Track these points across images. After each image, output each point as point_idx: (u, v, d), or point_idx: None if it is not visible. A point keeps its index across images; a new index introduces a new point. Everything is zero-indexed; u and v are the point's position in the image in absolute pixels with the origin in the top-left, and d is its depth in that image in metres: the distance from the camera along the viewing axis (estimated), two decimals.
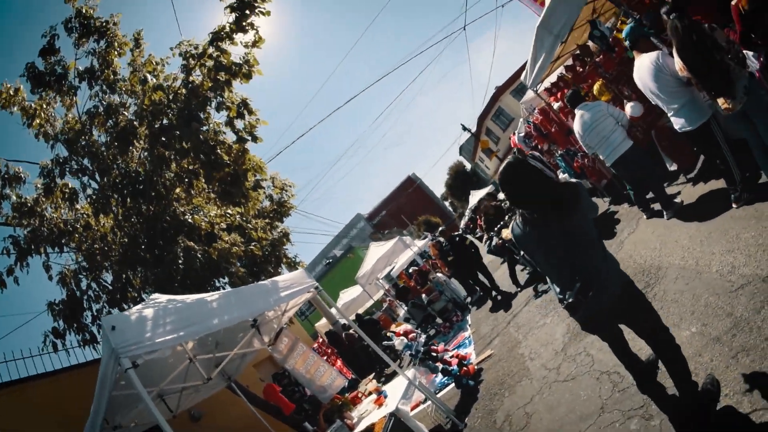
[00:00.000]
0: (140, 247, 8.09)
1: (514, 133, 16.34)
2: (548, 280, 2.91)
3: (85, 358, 8.21)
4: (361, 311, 16.63)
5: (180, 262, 7.49)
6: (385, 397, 5.44)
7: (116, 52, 8.49)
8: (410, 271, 16.09)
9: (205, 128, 8.04)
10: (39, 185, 8.52)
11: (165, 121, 8.04)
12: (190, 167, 8.41)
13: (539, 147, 10.24)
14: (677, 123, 4.67)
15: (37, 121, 8.49)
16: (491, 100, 38.21)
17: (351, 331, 14.01)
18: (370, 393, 6.13)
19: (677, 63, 4.17)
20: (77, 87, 8.61)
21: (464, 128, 39.49)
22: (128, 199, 7.97)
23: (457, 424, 5.42)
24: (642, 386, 2.98)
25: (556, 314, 6.19)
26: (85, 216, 8.78)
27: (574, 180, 2.92)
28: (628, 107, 5.77)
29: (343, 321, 16.49)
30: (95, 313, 8.31)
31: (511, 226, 2.77)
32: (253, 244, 8.76)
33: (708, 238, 4.43)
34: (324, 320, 16.71)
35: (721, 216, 4.61)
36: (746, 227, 4.09)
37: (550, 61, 7.03)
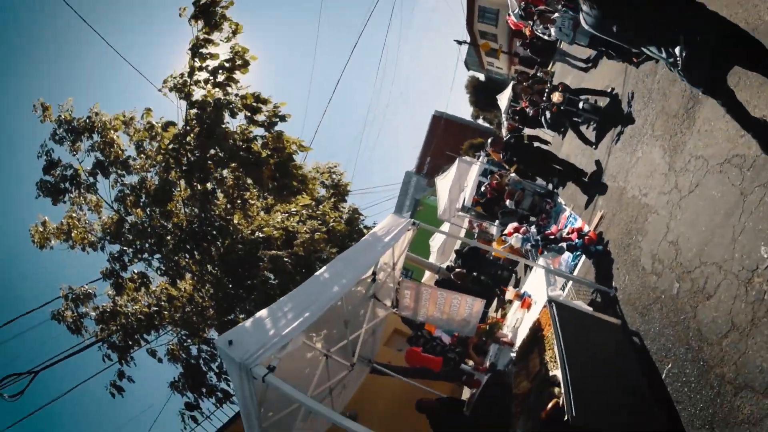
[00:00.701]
0: (228, 287, 8.28)
1: (509, 15, 15.50)
2: (650, 52, 2.73)
3: (227, 416, 8.47)
4: (457, 247, 16.46)
5: (271, 277, 7.62)
6: (530, 296, 5.40)
7: (112, 131, 8.68)
8: (482, 189, 15.79)
9: (228, 125, 8.05)
10: (110, 290, 8.86)
11: (192, 155, 8.13)
12: (236, 181, 8.52)
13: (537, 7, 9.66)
14: None
15: (75, 233, 8.85)
16: (469, 3, 36.74)
17: (457, 270, 14.11)
18: (510, 302, 6.09)
19: None
20: (95, 182, 8.91)
21: (458, 42, 38.01)
22: (195, 252, 8.16)
23: (607, 292, 5.30)
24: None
25: (644, 144, 6.00)
26: (164, 291, 9.05)
27: None
28: None
29: (445, 264, 16.59)
30: (217, 371, 8.64)
31: (583, 19, 2.70)
32: (332, 222, 8.84)
33: None
34: (428, 274, 16.75)
35: None
36: None
37: None
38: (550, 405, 3.16)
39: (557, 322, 3.90)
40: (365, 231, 9.51)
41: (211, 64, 7.87)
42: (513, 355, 5.07)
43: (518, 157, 10.68)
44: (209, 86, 7.98)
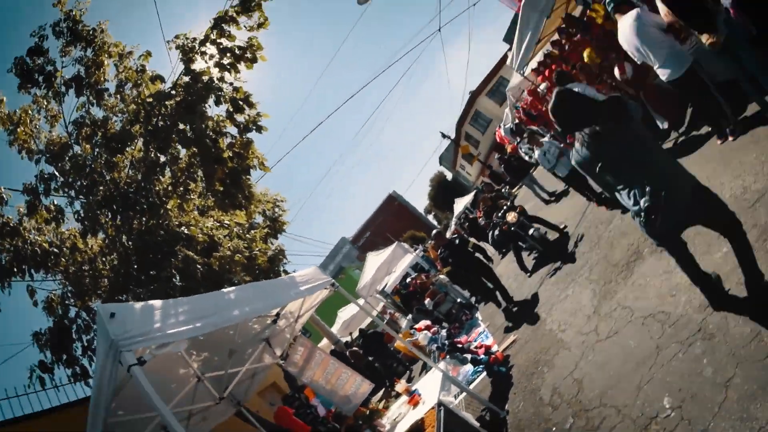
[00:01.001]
0: (132, 266, 7.67)
1: (499, 127, 16.41)
2: (620, 197, 2.89)
3: (77, 396, 7.54)
4: (362, 326, 16.23)
5: (177, 278, 7.14)
6: (419, 395, 5.25)
7: (106, 55, 8.16)
8: (408, 281, 15.90)
9: (209, 109, 7.72)
10: (22, 207, 8.04)
11: (163, 121, 7.69)
12: (188, 168, 8.08)
13: (528, 128, 10.31)
14: (664, 74, 4.87)
15: (21, 130, 8.12)
16: (467, 104, 38.86)
17: (354, 348, 13.83)
18: (398, 395, 5.90)
19: (662, 9, 4.40)
20: (64, 94, 8.28)
21: (443, 135, 39.78)
22: (118, 216, 7.61)
23: (497, 413, 5.17)
24: (716, 302, 3.02)
25: (577, 284, 6.16)
26: (72, 238, 8.35)
27: (614, 94, 2.97)
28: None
29: (345, 339, 16.27)
30: (86, 344, 7.81)
31: (572, 154, 2.89)
32: (256, 250, 8.48)
33: (713, 173, 4.61)
34: (325, 341, 16.35)
35: (720, 151, 4.89)
36: (746, 152, 4.41)
37: (536, 39, 7.23)
38: None
39: (441, 426, 3.78)
40: (283, 274, 9.17)
41: (225, 43, 7.66)
42: None
43: (455, 259, 10.82)
44: (212, 62, 7.73)
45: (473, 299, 12.42)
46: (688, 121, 6.22)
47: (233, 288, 4.03)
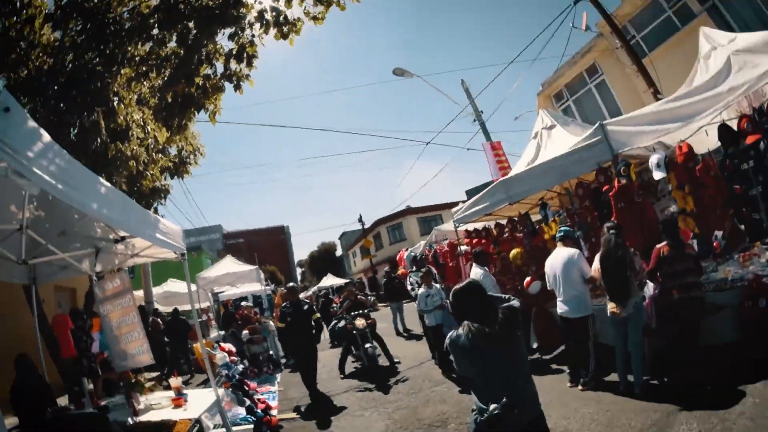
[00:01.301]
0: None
1: (406, 249, 17.06)
2: (473, 388, 2.95)
3: None
4: (180, 309, 15.19)
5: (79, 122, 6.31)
6: (186, 401, 4.97)
7: None
8: (241, 303, 15.38)
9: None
10: None
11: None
12: (148, 61, 7.11)
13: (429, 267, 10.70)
14: (562, 308, 5.42)
15: None
16: (399, 213, 40.00)
17: (158, 320, 12.92)
18: (168, 387, 5.56)
19: (594, 265, 5.05)
20: None
21: (360, 220, 40.55)
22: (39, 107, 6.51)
23: None
24: None
25: (377, 412, 6.34)
26: None
27: (515, 303, 3.05)
28: (534, 285, 6.50)
29: (156, 306, 15.19)
30: None
31: (451, 335, 2.87)
32: (149, 172, 7.90)
33: (548, 404, 4.87)
34: (140, 292, 15.07)
35: (565, 391, 5.40)
36: (586, 403, 4.91)
37: (486, 213, 7.85)
38: None
39: None
40: (153, 212, 8.58)
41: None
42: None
43: (293, 320, 10.74)
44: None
45: (284, 361, 12.20)
46: (555, 354, 6.76)
47: (110, 186, 3.70)
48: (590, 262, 5.34)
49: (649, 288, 4.97)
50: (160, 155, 8.78)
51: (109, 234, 5.17)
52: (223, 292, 17.83)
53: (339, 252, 66.50)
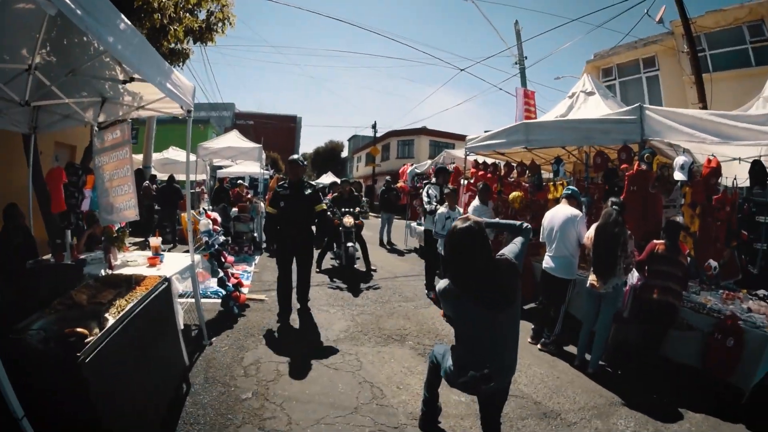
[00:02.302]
0: None
1: (410, 164, 16.86)
2: (456, 337, 2.89)
3: None
4: (176, 176, 15.24)
5: None
6: (161, 261, 5.06)
7: None
8: (237, 182, 15.43)
9: None
10: None
11: None
12: None
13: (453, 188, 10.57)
14: (549, 264, 5.44)
15: None
16: (414, 130, 39.44)
17: (152, 186, 13.03)
18: (147, 246, 5.64)
19: (589, 233, 5.01)
20: None
21: (374, 127, 39.84)
22: None
23: (203, 336, 5.16)
24: (425, 422, 3.47)
25: (342, 311, 6.61)
26: None
27: (527, 228, 3.01)
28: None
29: (155, 173, 15.21)
30: None
31: (446, 286, 2.70)
32: (172, 28, 7.57)
33: None
34: (140, 156, 15.03)
35: (524, 347, 5.40)
36: (540, 364, 5.12)
37: (501, 149, 7.66)
38: None
39: (155, 293, 3.57)
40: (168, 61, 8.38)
41: None
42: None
43: (286, 205, 10.86)
44: None
45: (265, 245, 12.46)
46: (526, 309, 6.86)
47: (131, 25, 3.40)
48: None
49: (633, 277, 4.99)
50: (187, 14, 8.38)
51: (119, 76, 4.88)
52: (222, 168, 17.77)
53: (345, 154, 66.15)
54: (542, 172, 8.51)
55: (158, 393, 3.35)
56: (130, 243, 9.79)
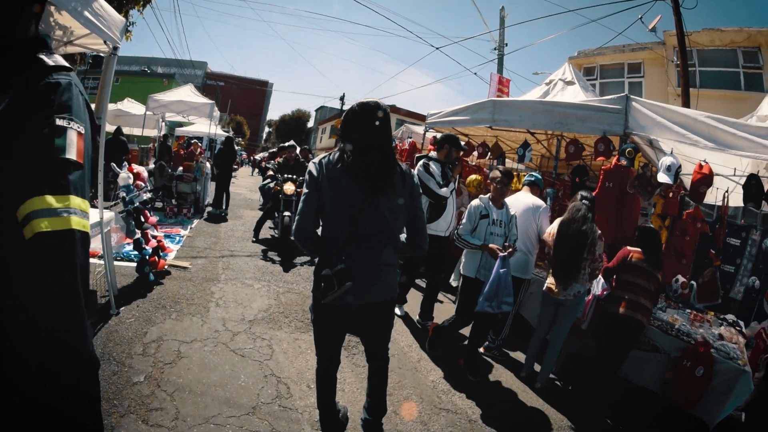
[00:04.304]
0: None
1: (407, 138, 16.36)
2: (322, 235, 2.39)
3: None
4: (125, 130, 14.03)
5: None
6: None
7: None
8: (192, 141, 14.38)
9: None
10: None
11: None
12: None
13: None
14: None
15: None
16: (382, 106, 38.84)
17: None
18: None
19: (551, 227, 4.37)
20: None
21: (341, 98, 38.81)
22: None
23: (111, 306, 4.44)
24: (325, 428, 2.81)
25: (267, 287, 5.97)
26: None
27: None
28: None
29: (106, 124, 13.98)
30: None
31: (319, 156, 2.37)
32: None
33: (442, 357, 4.64)
34: (93, 106, 13.75)
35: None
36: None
37: (460, 126, 7.07)
38: None
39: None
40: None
41: None
42: None
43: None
44: None
45: (208, 208, 11.63)
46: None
47: None
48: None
49: (598, 286, 4.41)
50: None
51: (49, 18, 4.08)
52: (181, 126, 16.66)
53: (311, 124, 65.01)
54: (506, 159, 7.97)
55: None
56: None
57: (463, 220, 4.26)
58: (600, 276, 4.30)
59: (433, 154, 5.23)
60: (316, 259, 2.41)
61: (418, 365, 4.37)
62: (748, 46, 13.52)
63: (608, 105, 5.03)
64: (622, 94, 4.98)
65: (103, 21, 3.77)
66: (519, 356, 4.91)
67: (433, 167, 4.97)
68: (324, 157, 2.33)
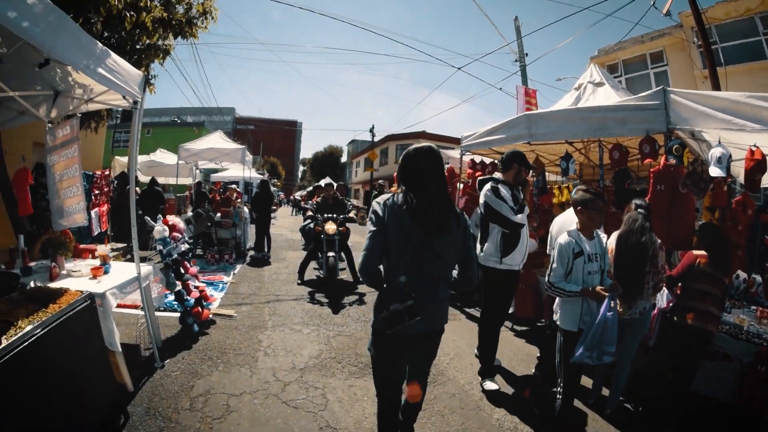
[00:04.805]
0: None
1: None
2: (384, 271, 2.53)
3: None
4: (160, 180, 14.44)
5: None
6: (106, 273, 4.34)
7: None
8: (229, 186, 14.64)
9: None
10: None
11: None
12: None
13: None
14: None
15: None
16: (413, 134, 38.84)
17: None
18: (99, 255, 4.91)
19: (609, 243, 3.97)
20: None
21: (371, 131, 39.07)
22: None
23: (155, 359, 4.44)
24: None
25: (317, 332, 5.80)
26: None
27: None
28: (531, 241, 5.61)
29: (140, 176, 14.55)
30: None
31: (384, 197, 2.52)
32: (127, 13, 6.92)
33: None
34: (124, 159, 14.33)
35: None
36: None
37: (497, 145, 6.83)
38: None
39: (69, 312, 2.90)
40: (143, 69, 7.75)
41: None
42: None
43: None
44: None
45: (251, 252, 11.71)
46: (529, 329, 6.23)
47: (47, 1, 2.92)
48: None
49: (663, 298, 4.05)
50: (155, 2, 7.73)
51: (68, 77, 4.56)
52: (217, 172, 17.02)
53: (345, 158, 65.78)
54: (546, 173, 7.66)
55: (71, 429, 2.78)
56: (112, 249, 9.09)
57: (553, 264, 3.53)
58: (664, 288, 3.97)
59: (498, 175, 4.63)
60: (367, 298, 2.60)
61: (481, 403, 4.10)
62: (764, 11, 12.98)
63: (646, 102, 4.71)
64: (659, 88, 4.64)
65: (118, 76, 3.83)
66: (584, 381, 4.55)
67: (504, 191, 4.36)
68: (388, 198, 2.49)
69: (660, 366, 4.09)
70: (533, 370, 4.79)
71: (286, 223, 22.92)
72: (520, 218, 4.29)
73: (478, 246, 4.55)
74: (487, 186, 4.48)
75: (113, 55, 3.82)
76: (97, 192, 8.84)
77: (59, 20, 3.02)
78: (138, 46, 8.17)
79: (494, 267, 4.43)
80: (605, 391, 4.17)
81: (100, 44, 3.64)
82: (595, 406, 4.09)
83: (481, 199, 4.45)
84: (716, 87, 9.37)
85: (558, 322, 3.60)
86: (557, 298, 3.62)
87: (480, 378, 4.50)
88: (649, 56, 16.10)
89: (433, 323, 2.54)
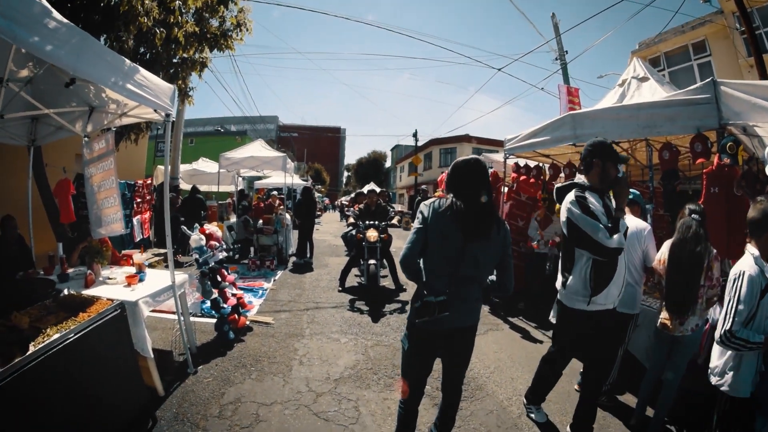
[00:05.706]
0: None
1: (446, 172, 16.02)
2: (423, 267, 2.71)
3: None
4: (202, 188, 14.87)
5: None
6: (141, 281, 4.42)
7: None
8: (272, 193, 14.88)
9: None
10: None
11: None
12: None
13: None
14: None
15: None
16: (456, 137, 38.52)
17: (177, 196, 12.61)
18: (135, 264, 5.03)
19: (661, 254, 3.71)
20: None
21: (414, 135, 38.95)
22: None
23: (189, 365, 4.48)
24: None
25: (355, 341, 5.70)
26: None
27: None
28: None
29: (182, 183, 14.97)
30: None
31: (431, 200, 2.75)
32: (157, 30, 7.12)
33: (516, 366, 4.07)
34: (161, 167, 14.84)
35: (569, 394, 4.41)
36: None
37: (541, 147, 6.57)
38: None
39: (101, 320, 2.99)
40: (179, 82, 8.01)
41: None
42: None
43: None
44: None
45: (293, 258, 11.79)
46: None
47: (66, 21, 3.03)
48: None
49: (716, 313, 3.60)
50: (185, 18, 7.92)
51: (101, 93, 4.85)
52: (260, 179, 17.29)
53: (389, 164, 65.91)
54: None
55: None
56: (153, 254, 9.33)
57: (732, 305, 2.51)
58: (716, 302, 3.54)
59: (581, 179, 3.51)
60: (409, 304, 2.86)
61: (519, 422, 3.86)
62: None
63: (695, 96, 4.33)
64: (708, 80, 4.25)
65: (148, 91, 3.94)
66: (627, 398, 4.27)
67: (593, 202, 3.14)
68: (435, 201, 2.69)
69: (705, 385, 3.72)
70: (575, 387, 4.50)
71: (330, 229, 23.03)
72: (618, 240, 2.99)
73: (560, 278, 3.48)
74: (570, 196, 3.26)
75: (142, 70, 3.91)
76: (139, 200, 9.12)
77: (83, 41, 3.13)
78: (174, 60, 8.38)
79: (582, 309, 3.31)
80: (649, 411, 3.85)
81: (128, 61, 3.73)
82: (638, 428, 3.76)
83: (562, 216, 3.34)
84: (763, 76, 8.81)
85: (726, 388, 2.68)
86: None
87: (524, 401, 4.09)
88: (691, 47, 15.36)
89: (462, 321, 2.68)
